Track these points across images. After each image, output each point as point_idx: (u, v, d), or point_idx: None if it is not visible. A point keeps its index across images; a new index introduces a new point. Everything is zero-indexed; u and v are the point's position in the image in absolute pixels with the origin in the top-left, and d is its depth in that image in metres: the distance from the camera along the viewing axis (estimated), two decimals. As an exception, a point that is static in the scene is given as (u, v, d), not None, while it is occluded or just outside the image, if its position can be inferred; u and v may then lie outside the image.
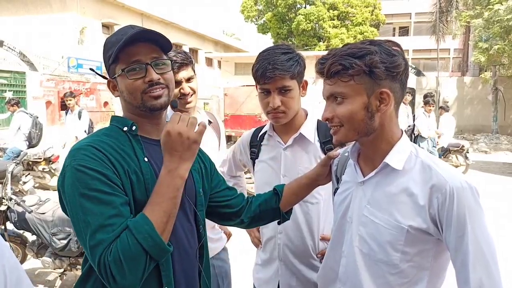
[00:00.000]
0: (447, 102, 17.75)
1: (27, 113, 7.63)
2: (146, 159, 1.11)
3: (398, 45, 1.12)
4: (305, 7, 30.86)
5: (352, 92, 1.08)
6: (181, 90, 1.88)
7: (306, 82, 1.68)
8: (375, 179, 1.16)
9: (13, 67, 14.77)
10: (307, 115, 1.75)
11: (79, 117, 7.35)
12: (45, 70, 16.84)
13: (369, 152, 1.19)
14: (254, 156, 1.86)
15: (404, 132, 1.18)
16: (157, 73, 1.13)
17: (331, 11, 30.03)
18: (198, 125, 1.08)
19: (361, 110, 1.08)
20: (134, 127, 1.14)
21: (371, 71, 1.05)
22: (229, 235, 2.26)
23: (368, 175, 1.17)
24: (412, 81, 19.10)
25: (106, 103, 18.97)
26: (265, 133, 1.81)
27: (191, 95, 1.91)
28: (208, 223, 1.99)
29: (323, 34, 30.40)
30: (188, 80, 1.90)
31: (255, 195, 1.48)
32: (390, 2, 35.02)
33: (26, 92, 14.31)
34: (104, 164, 1.02)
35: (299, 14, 29.73)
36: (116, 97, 1.20)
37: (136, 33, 1.10)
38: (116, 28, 22.10)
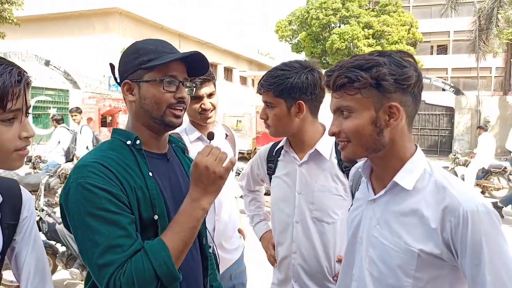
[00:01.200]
0: (489, 121, 16.99)
1: (68, 129, 7.98)
2: (150, 174, 1.10)
3: (410, 56, 1.06)
4: (339, 26, 30.85)
5: (359, 106, 1.02)
6: (202, 106, 1.90)
7: (302, 104, 1.58)
8: (385, 198, 1.09)
9: (58, 85, 15.62)
10: (324, 130, 1.72)
11: (80, 133, 7.57)
12: (87, 88, 17.67)
13: (379, 169, 1.12)
14: (270, 171, 1.83)
15: (418, 148, 1.10)
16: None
17: (366, 30, 29.84)
18: (226, 160, 1.07)
19: (368, 125, 1.02)
20: (138, 141, 1.12)
21: (378, 83, 0.99)
22: (244, 236, 2.26)
23: (378, 193, 1.10)
24: (451, 100, 18.46)
25: (142, 120, 19.55)
26: (282, 148, 1.79)
27: (212, 110, 1.93)
28: (226, 234, 2.01)
29: (357, 52, 30.09)
30: (210, 95, 1.92)
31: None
32: (427, 20, 34.40)
33: (69, 108, 15.03)
34: (111, 182, 1.01)
35: (333, 33, 29.73)
36: (130, 100, 1.14)
37: (195, 55, 1.14)
38: (154, 48, 22.98)
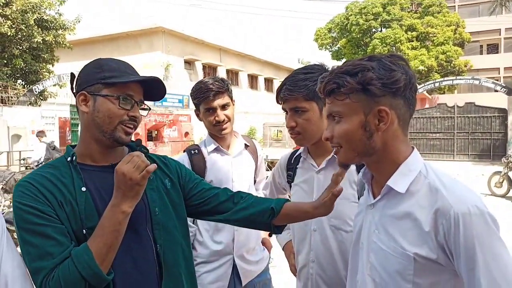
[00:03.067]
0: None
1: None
2: (84, 189, 1.15)
3: (402, 59, 1.04)
4: (380, 31, 30.18)
5: (348, 111, 1.03)
6: (216, 117, 1.93)
7: None
8: (381, 202, 1.08)
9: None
10: None
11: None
12: (134, 104, 18.43)
13: (375, 173, 1.11)
14: (290, 179, 1.83)
15: (414, 150, 1.08)
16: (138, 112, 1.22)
17: (409, 32, 28.98)
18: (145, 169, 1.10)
19: (358, 129, 1.02)
20: (74, 157, 1.18)
21: (365, 88, 0.99)
22: (270, 248, 2.23)
23: (377, 197, 1.09)
24: (503, 101, 17.41)
25: (186, 133, 20.11)
26: (300, 155, 1.79)
27: (226, 122, 1.96)
28: (247, 245, 2.02)
29: (401, 56, 29.28)
30: (223, 107, 1.94)
31: (249, 201, 1.39)
32: (475, 19, 32.76)
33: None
34: (36, 199, 1.08)
35: (375, 38, 29.13)
36: (83, 111, 1.19)
37: (152, 79, 1.22)
38: (196, 64, 23.72)
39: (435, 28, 28.63)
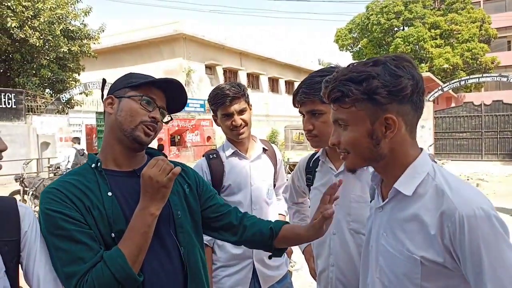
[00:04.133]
0: None
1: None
2: (110, 194, 1.17)
3: (409, 61, 1.02)
4: (403, 30, 29.68)
5: (354, 119, 1.01)
6: (233, 122, 1.95)
7: None
8: (389, 205, 1.07)
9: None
10: None
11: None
12: (157, 110, 18.75)
13: (384, 176, 1.11)
14: (309, 182, 1.83)
15: (422, 152, 1.06)
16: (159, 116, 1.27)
17: (432, 30, 28.40)
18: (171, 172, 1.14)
19: (364, 137, 1.01)
20: (99, 163, 1.21)
21: (371, 97, 0.97)
22: (289, 253, 2.22)
23: (385, 200, 1.09)
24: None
25: (209, 138, 20.33)
26: (319, 158, 1.78)
27: (243, 126, 1.97)
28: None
29: (424, 55, 28.76)
30: (240, 112, 1.96)
31: (252, 221, 1.44)
32: (502, 14, 31.76)
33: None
34: (65, 204, 1.11)
35: (397, 37, 28.67)
36: (109, 112, 1.24)
37: (175, 83, 1.26)
38: (217, 68, 23.94)
39: (460, 25, 27.94)
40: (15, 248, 1.04)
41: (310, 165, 1.83)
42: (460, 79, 19.11)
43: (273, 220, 2.02)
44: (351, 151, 1.05)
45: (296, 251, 2.33)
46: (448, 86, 18.15)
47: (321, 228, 1.28)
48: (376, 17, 29.55)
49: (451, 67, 27.34)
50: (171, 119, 1.34)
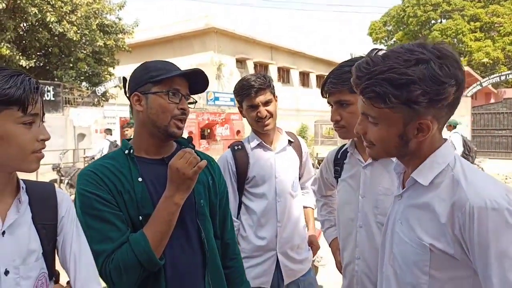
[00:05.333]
0: None
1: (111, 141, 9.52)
2: (140, 179, 1.24)
3: (454, 59, 0.93)
4: (440, 22, 28.65)
5: (386, 120, 0.97)
6: (258, 114, 1.94)
7: None
8: (406, 193, 1.07)
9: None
10: None
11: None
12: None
13: (406, 166, 1.09)
14: (337, 174, 1.79)
15: (445, 142, 1.01)
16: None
17: (472, 23, 27.25)
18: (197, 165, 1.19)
19: (394, 137, 0.98)
20: (131, 150, 1.28)
21: (409, 105, 0.92)
22: (316, 249, 2.21)
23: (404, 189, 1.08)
24: None
25: (238, 132, 20.42)
26: (347, 150, 1.73)
27: (269, 118, 1.95)
28: (291, 242, 2.00)
29: (463, 49, 27.67)
30: (266, 103, 1.95)
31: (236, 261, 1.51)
32: (549, 4, 30.01)
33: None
34: (99, 186, 1.19)
35: (434, 30, 27.70)
36: (138, 110, 1.28)
37: (195, 71, 1.29)
38: (248, 62, 23.96)
39: (502, 18, 26.63)
40: (53, 232, 1.08)
41: (339, 157, 1.80)
42: (500, 74, 18.23)
43: (295, 215, 2.00)
44: (377, 145, 1.03)
45: (324, 247, 2.29)
46: (488, 81, 17.35)
47: None
48: (413, 9, 28.65)
49: (491, 62, 26.17)
50: (196, 101, 1.38)
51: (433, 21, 28.88)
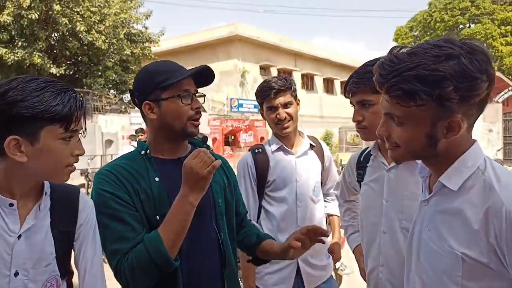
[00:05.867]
0: None
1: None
2: (157, 179, 1.24)
3: (484, 53, 0.88)
4: (469, 27, 27.94)
5: (413, 119, 0.91)
6: (277, 116, 1.91)
7: None
8: (434, 198, 1.00)
9: (187, 110, 17.33)
10: None
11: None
12: (212, 110, 19.25)
13: (432, 169, 1.02)
14: (360, 178, 1.74)
15: (474, 144, 0.95)
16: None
17: (502, 27, 26.45)
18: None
19: (421, 138, 0.92)
20: (148, 150, 1.28)
21: (440, 103, 0.86)
22: (336, 259, 2.14)
23: (431, 194, 1.01)
24: None
25: (262, 138, 20.40)
26: (370, 153, 1.69)
27: (288, 120, 1.92)
28: (314, 248, 1.94)
29: (493, 53, 26.86)
30: (285, 105, 1.92)
31: (249, 224, 1.54)
32: None
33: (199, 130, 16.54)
34: (116, 186, 1.19)
35: (462, 34, 27.02)
36: (152, 118, 1.28)
37: (202, 69, 1.29)
38: (272, 70, 23.99)
39: (535, 20, 25.74)
40: (70, 238, 1.10)
41: (361, 160, 1.75)
42: (534, 79, 17.57)
43: (316, 221, 1.96)
44: (402, 146, 0.97)
45: (348, 254, 2.23)
46: (520, 86, 16.75)
47: (287, 252, 1.33)
48: (440, 14, 28.09)
49: (523, 66, 25.27)
50: (204, 95, 1.38)
51: (461, 26, 28.22)
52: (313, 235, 1.30)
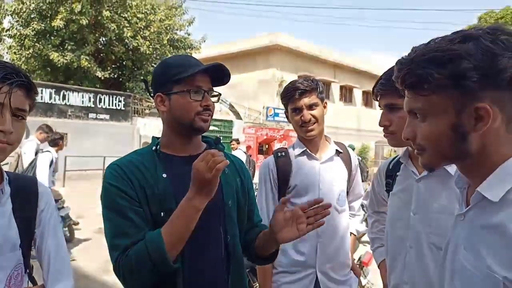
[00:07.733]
0: None
1: (244, 152, 9.67)
2: (164, 175, 1.22)
3: (509, 33, 0.78)
4: None
5: (434, 109, 0.82)
6: (302, 117, 1.84)
7: None
8: (471, 212, 0.86)
9: (223, 117, 17.53)
10: None
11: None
12: (248, 118, 19.35)
13: (470, 178, 0.89)
14: (389, 188, 1.63)
15: None
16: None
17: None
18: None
19: (447, 131, 0.82)
20: (158, 146, 1.28)
21: (458, 83, 0.77)
22: (358, 274, 2.03)
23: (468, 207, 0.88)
24: None
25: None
26: (400, 161, 1.58)
27: (313, 123, 1.84)
28: (333, 261, 1.85)
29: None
30: (310, 107, 1.84)
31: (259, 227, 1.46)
32: None
33: (232, 137, 16.67)
34: (123, 181, 1.18)
35: None
36: (162, 110, 1.28)
37: (215, 65, 1.27)
38: (310, 80, 23.86)
39: None
40: (32, 224, 1.11)
41: (391, 168, 1.64)
42: None
43: (339, 232, 1.86)
44: (428, 148, 0.86)
45: (375, 271, 2.11)
46: None
47: (272, 232, 1.25)
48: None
49: None
50: (220, 94, 1.34)
51: None
52: (317, 208, 1.22)
